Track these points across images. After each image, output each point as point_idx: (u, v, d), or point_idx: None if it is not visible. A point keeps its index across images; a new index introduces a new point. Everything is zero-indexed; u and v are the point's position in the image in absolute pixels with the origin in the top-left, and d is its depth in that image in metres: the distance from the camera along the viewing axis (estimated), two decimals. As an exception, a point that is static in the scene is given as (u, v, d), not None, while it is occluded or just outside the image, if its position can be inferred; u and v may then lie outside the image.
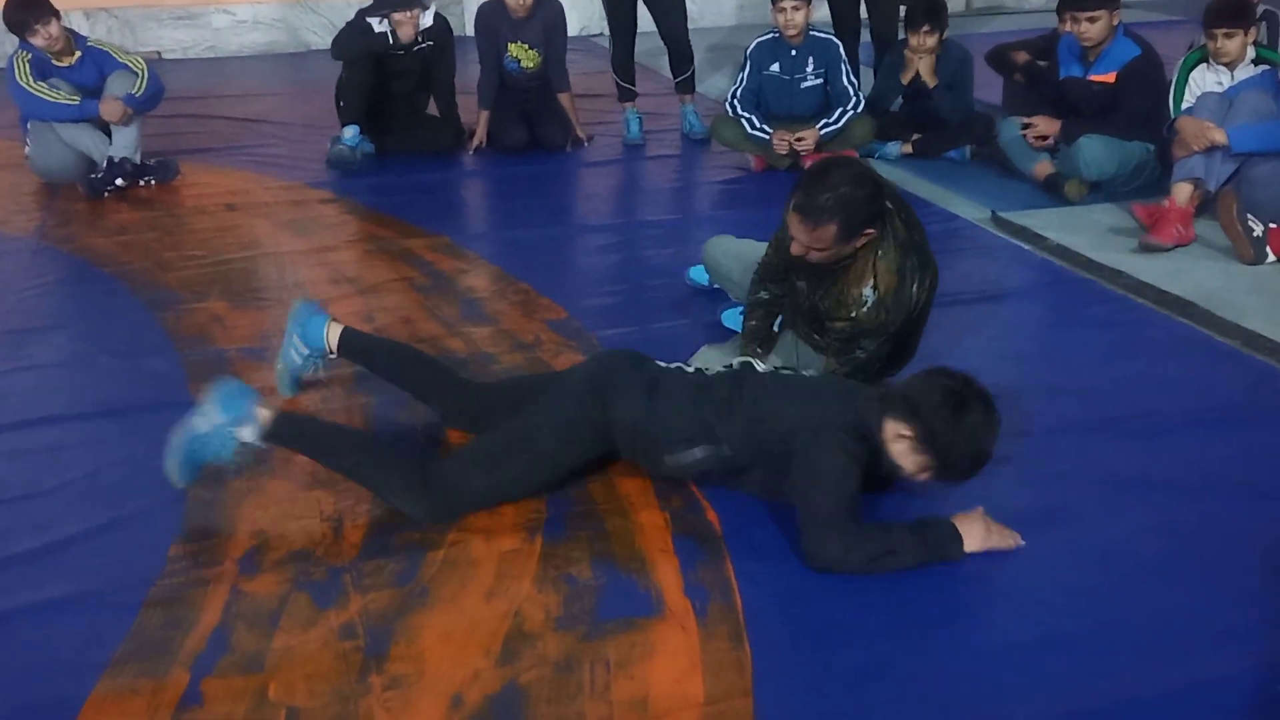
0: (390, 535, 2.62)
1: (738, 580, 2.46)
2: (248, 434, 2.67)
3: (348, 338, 3.15)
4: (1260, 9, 5.28)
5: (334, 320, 3.16)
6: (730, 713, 2.09)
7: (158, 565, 2.53)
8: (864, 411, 2.57)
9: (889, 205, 2.87)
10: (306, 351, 3.15)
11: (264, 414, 2.69)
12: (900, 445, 2.54)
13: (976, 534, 2.52)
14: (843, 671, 2.21)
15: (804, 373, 2.89)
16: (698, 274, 4.03)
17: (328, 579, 2.48)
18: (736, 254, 3.64)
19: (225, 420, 2.66)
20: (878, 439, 2.55)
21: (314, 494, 2.79)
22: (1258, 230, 4.18)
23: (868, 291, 2.85)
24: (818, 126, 5.51)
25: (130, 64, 5.50)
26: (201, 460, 2.69)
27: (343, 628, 2.32)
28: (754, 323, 3.24)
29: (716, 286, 3.92)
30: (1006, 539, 2.55)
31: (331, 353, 3.15)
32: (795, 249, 2.85)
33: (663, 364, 2.85)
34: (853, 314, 2.88)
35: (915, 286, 2.91)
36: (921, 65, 5.68)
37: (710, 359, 3.26)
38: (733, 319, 3.75)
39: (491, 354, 3.62)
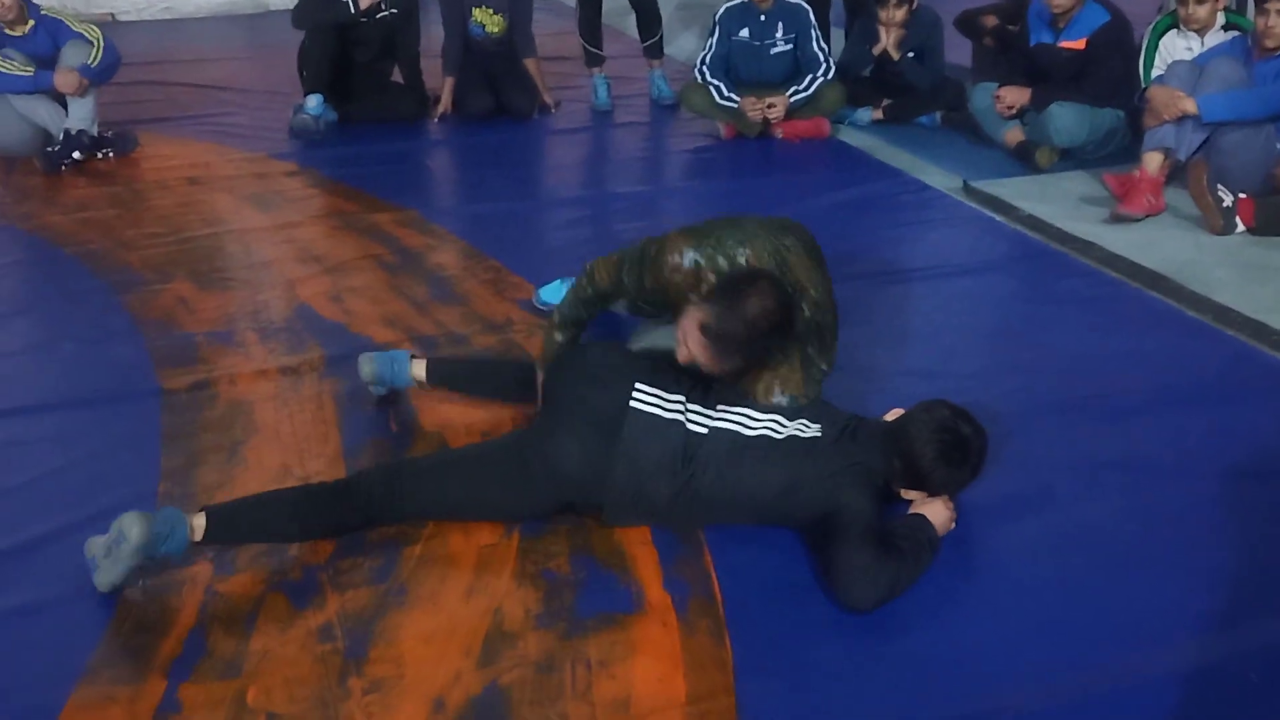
0: (365, 531, 2.59)
1: (717, 573, 2.45)
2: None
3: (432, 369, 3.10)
4: (1230, -27, 5.27)
5: (414, 356, 3.12)
6: (713, 712, 2.08)
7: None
8: (870, 460, 2.55)
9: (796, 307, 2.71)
10: (385, 391, 3.16)
11: (198, 522, 2.44)
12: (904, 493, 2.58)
13: (942, 518, 2.54)
14: (824, 666, 2.21)
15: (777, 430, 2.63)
16: (550, 294, 3.72)
17: (304, 578, 2.44)
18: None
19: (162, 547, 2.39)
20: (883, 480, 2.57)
21: (287, 486, 2.74)
22: (1227, 200, 4.18)
23: (779, 399, 2.70)
24: (788, 94, 5.47)
25: (85, 33, 5.38)
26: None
27: (321, 629, 2.30)
28: (563, 339, 2.93)
29: None
30: (952, 511, 2.58)
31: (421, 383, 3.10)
32: (684, 357, 2.62)
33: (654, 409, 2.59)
34: (774, 413, 2.66)
35: (824, 364, 2.81)
36: (890, 38, 5.63)
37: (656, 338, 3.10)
38: (553, 293, 3.64)
39: (462, 334, 3.58)
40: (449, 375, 3.14)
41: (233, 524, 2.50)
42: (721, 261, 2.70)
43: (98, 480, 2.81)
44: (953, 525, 2.57)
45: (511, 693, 2.13)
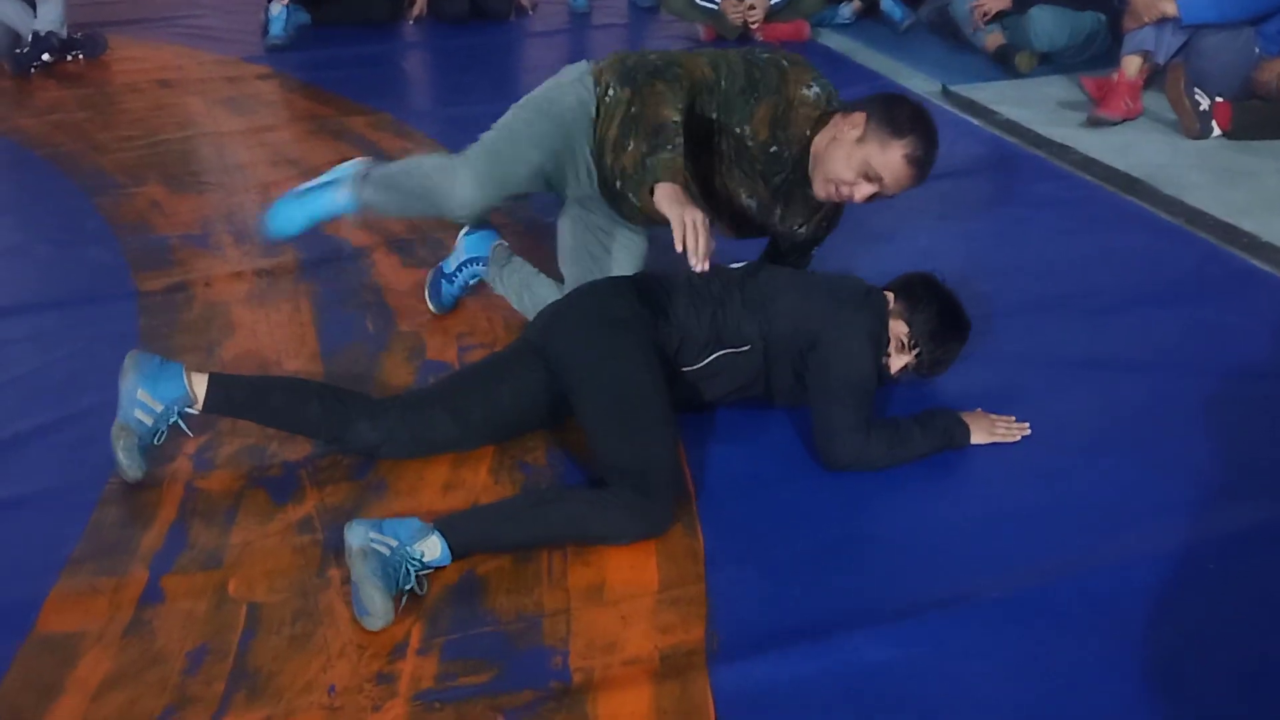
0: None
1: (689, 467, 2.49)
2: (430, 551, 2.16)
3: (218, 384, 2.45)
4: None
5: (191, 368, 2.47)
6: (684, 598, 2.14)
7: (111, 463, 2.51)
8: (876, 307, 2.55)
9: None
10: (160, 408, 2.42)
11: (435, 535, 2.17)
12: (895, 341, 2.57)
13: (983, 428, 2.57)
14: (794, 553, 2.25)
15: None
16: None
17: (283, 474, 2.47)
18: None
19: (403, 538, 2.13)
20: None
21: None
22: (1204, 104, 4.19)
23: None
24: (767, -4, 5.42)
25: (52, -68, 5.26)
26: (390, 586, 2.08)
27: (300, 523, 2.33)
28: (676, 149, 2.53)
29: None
30: (1014, 432, 2.59)
31: (195, 404, 2.44)
32: (863, 195, 2.65)
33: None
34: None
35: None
36: None
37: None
38: (476, 245, 3.14)
39: (438, 237, 3.58)
40: (243, 394, 2.48)
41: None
42: (834, 92, 2.77)
43: (77, 379, 2.82)
44: (1003, 435, 2.57)
45: (489, 581, 2.17)
